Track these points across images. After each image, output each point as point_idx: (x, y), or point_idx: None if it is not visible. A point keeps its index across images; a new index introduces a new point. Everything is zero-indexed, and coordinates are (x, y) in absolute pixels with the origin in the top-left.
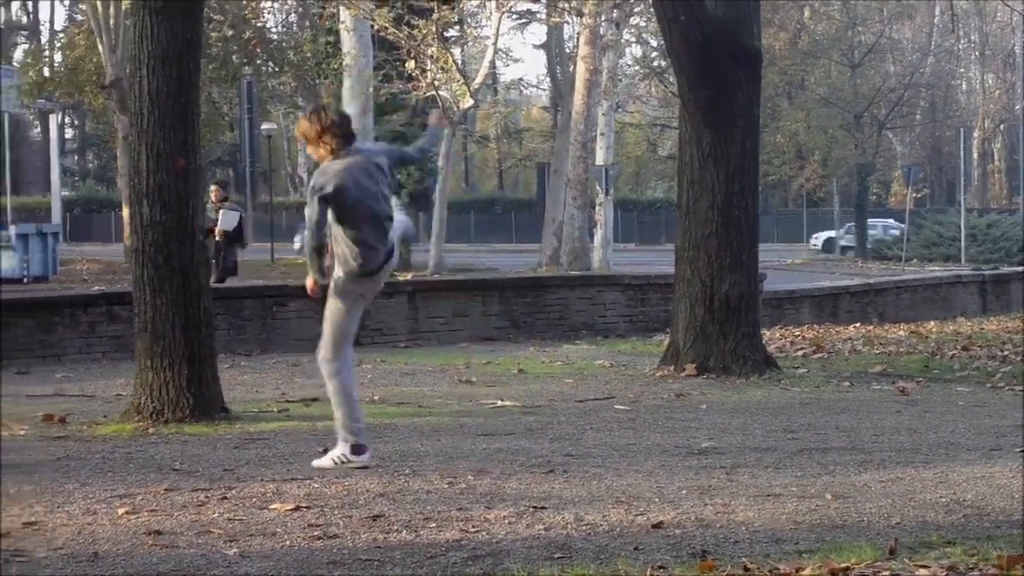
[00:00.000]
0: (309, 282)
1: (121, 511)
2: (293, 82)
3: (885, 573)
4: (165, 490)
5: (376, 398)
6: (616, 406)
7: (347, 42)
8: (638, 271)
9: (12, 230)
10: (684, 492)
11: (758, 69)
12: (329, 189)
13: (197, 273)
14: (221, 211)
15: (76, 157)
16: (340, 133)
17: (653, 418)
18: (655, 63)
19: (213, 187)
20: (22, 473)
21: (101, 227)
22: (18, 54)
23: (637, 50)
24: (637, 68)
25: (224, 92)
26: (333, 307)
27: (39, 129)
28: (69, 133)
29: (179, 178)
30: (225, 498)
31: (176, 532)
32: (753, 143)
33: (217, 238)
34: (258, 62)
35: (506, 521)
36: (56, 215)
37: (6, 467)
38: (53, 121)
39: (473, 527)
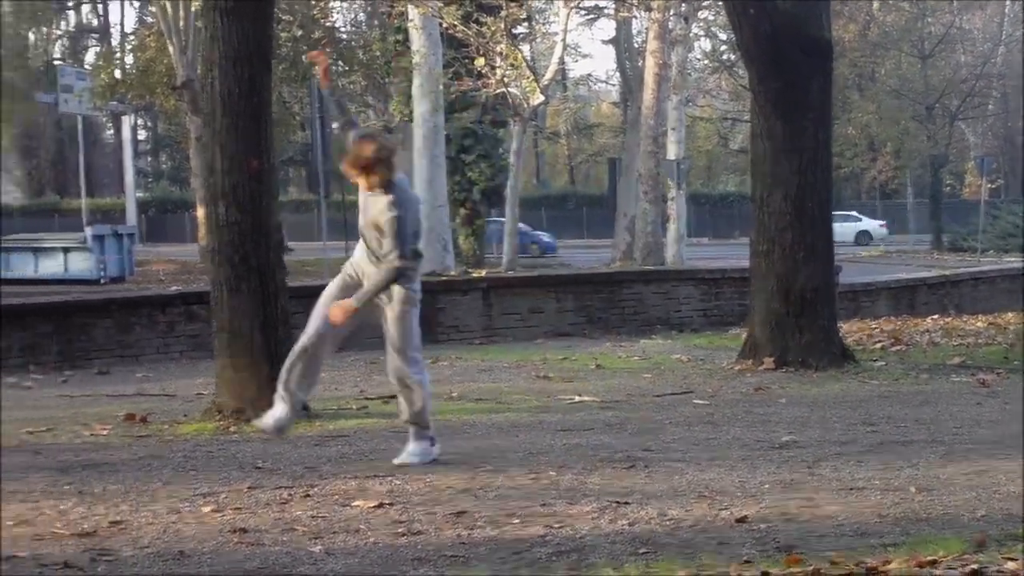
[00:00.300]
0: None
1: (206, 509)
2: (363, 81)
3: (973, 566)
4: (248, 488)
5: (454, 395)
6: (695, 400)
7: (416, 40)
8: (712, 265)
9: (88, 232)
10: (767, 486)
11: (829, 60)
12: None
13: (274, 272)
14: None
15: (149, 158)
16: (393, 162)
17: (732, 412)
18: (724, 56)
19: None
20: (106, 472)
21: (176, 228)
22: (90, 57)
23: (706, 44)
24: (706, 62)
25: (294, 92)
26: (409, 323)
27: (112, 131)
28: (142, 135)
29: (253, 178)
30: (308, 496)
31: (261, 530)
32: (825, 135)
33: None
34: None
35: (589, 516)
36: (131, 216)
37: (92, 466)
38: (126, 123)
39: (557, 523)
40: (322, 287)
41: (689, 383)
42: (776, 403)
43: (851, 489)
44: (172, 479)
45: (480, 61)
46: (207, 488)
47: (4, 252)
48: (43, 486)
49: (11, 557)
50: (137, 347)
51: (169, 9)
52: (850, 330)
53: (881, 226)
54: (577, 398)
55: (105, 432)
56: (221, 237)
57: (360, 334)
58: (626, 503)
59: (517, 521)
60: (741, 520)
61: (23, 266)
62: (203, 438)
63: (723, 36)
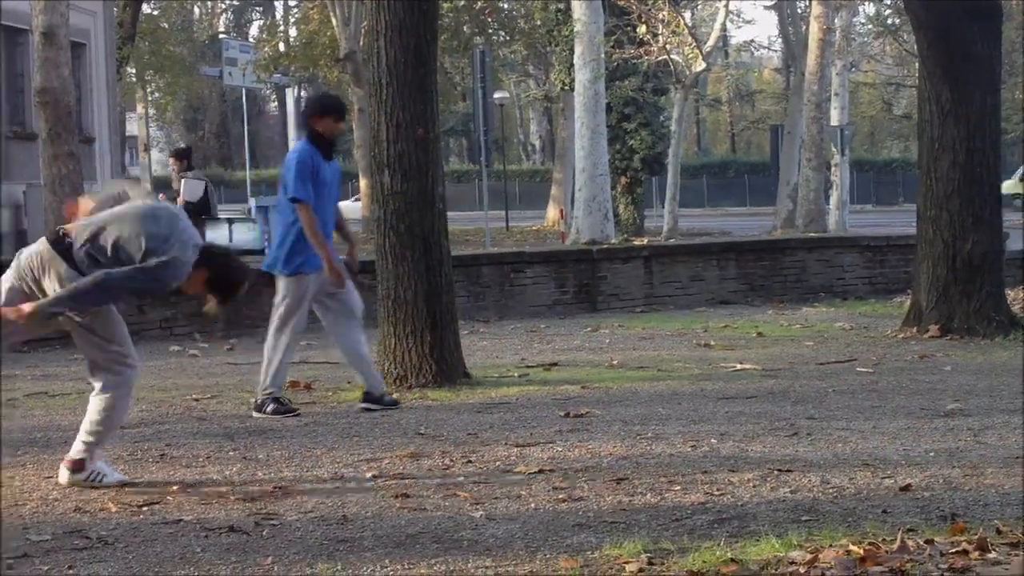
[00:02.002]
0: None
1: (369, 475)
2: (524, 50)
3: None
4: (411, 454)
5: (615, 362)
6: (858, 368)
7: (577, 9)
8: (876, 232)
9: (252, 203)
10: (931, 454)
11: (998, 24)
12: None
13: (439, 241)
14: (183, 181)
15: None
16: None
17: (896, 380)
18: (889, 21)
19: (171, 158)
20: (271, 439)
21: (342, 199)
22: (253, 30)
23: (870, 8)
24: (870, 26)
25: (456, 62)
26: None
27: (276, 103)
28: None
29: (419, 147)
30: (470, 462)
31: (423, 495)
32: (994, 99)
33: None
34: (489, 31)
35: (751, 484)
36: None
37: (256, 433)
38: (289, 95)
39: (718, 490)
40: (483, 256)
41: (852, 351)
42: (941, 371)
43: (1017, 458)
44: (336, 445)
45: (642, 28)
46: (370, 454)
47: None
48: (208, 452)
49: (178, 521)
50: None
51: None
52: (1017, 297)
53: None
54: (739, 366)
55: None
56: (387, 206)
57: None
58: (788, 471)
59: (678, 488)
60: (905, 488)
61: None
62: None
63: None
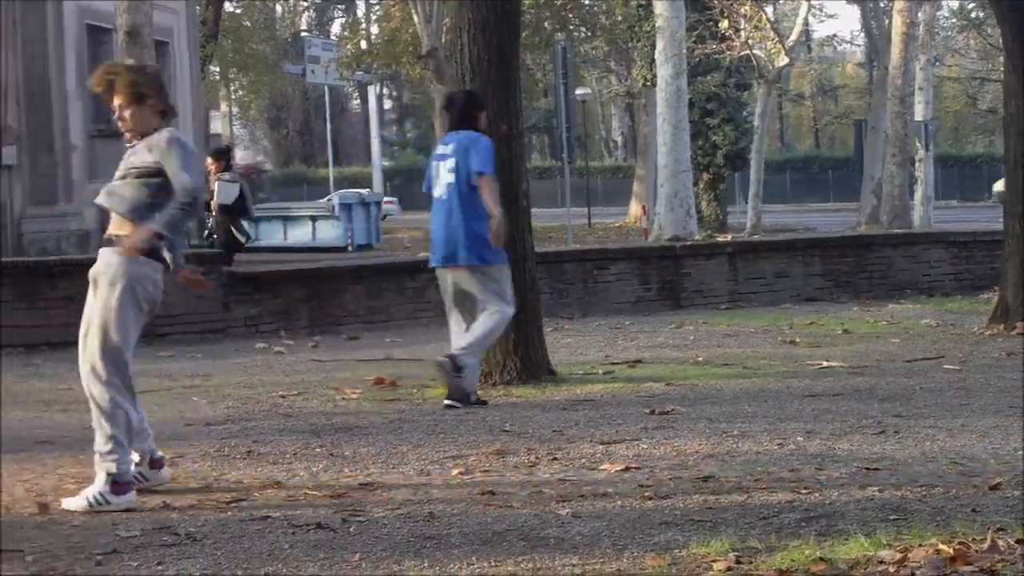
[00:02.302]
0: None
1: (455, 472)
2: (605, 46)
3: None
4: (496, 451)
5: (700, 359)
6: (945, 366)
7: (659, 4)
8: (962, 228)
9: (335, 199)
10: (1020, 453)
11: None
12: None
13: (522, 237)
14: (218, 183)
15: (394, 127)
16: None
17: (984, 378)
18: (973, 14)
19: (209, 159)
20: (357, 435)
21: (422, 195)
22: (336, 28)
23: (954, 1)
24: (954, 20)
25: (538, 58)
26: None
27: (358, 101)
28: (387, 104)
29: (502, 144)
30: (555, 459)
31: (509, 492)
32: None
33: (214, 213)
34: (571, 27)
35: (839, 483)
36: (377, 185)
37: (342, 429)
38: (371, 92)
39: (805, 488)
40: (566, 253)
41: (939, 348)
42: None
43: None
44: (421, 442)
45: (724, 23)
46: (456, 451)
47: (255, 221)
48: (295, 448)
49: (265, 518)
50: (386, 313)
51: None
52: None
53: None
54: (825, 363)
55: (355, 396)
56: None
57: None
58: (876, 469)
59: (764, 487)
60: (995, 487)
61: (272, 234)
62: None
63: None
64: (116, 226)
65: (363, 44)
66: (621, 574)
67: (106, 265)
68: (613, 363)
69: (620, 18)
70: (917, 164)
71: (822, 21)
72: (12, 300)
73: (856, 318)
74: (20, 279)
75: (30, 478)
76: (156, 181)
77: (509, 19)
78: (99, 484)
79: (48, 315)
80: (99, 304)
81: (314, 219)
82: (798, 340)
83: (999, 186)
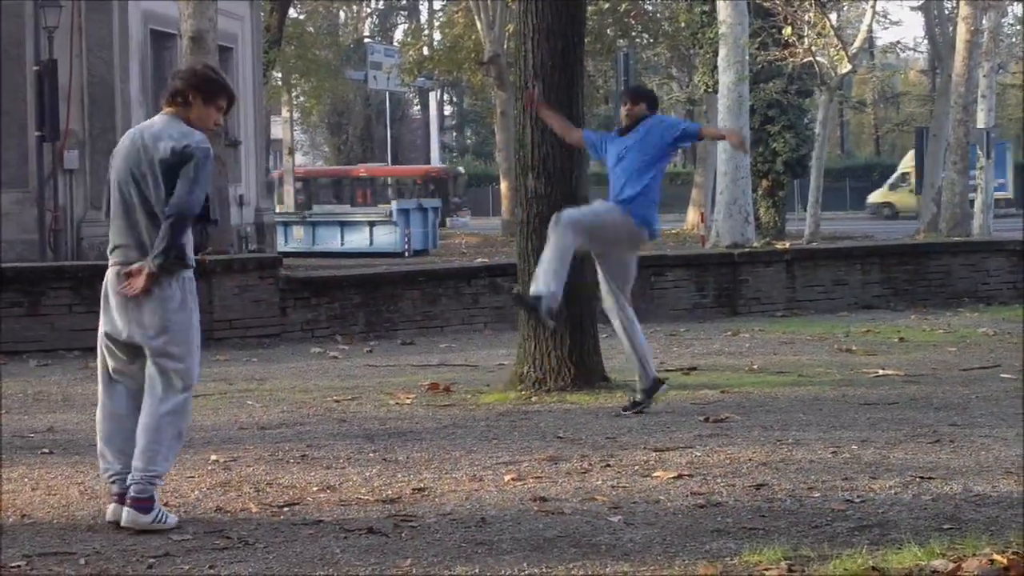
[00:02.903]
0: None
1: (507, 477)
2: (668, 52)
3: None
4: (549, 457)
5: (756, 367)
6: (1002, 375)
7: (723, 10)
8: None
9: (393, 205)
10: None
11: None
12: None
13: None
14: None
15: (455, 133)
16: None
17: None
18: None
19: None
20: (410, 440)
21: (480, 201)
22: (398, 34)
23: (1019, 8)
24: (1019, 27)
25: (599, 65)
26: None
27: (419, 106)
28: (448, 110)
29: (564, 150)
30: (608, 466)
31: (561, 499)
32: None
33: None
34: (633, 34)
35: (892, 491)
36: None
37: (396, 434)
38: (432, 98)
39: (859, 497)
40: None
41: (996, 357)
42: None
43: None
44: (474, 447)
45: (787, 30)
46: (508, 457)
47: (313, 225)
48: (348, 453)
49: (318, 522)
50: (442, 318)
51: None
52: None
53: None
54: (880, 372)
55: (409, 401)
56: (530, 209)
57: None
58: (930, 478)
59: (818, 495)
60: None
61: (330, 239)
62: (505, 408)
63: None
64: None
65: (425, 50)
66: None
67: None
68: (668, 370)
69: (683, 24)
70: (978, 172)
71: (886, 28)
72: (71, 303)
73: (913, 326)
74: (80, 282)
75: (84, 480)
76: None
77: (573, 25)
78: None
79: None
80: None
81: (372, 224)
82: (854, 348)
83: (874, 197)
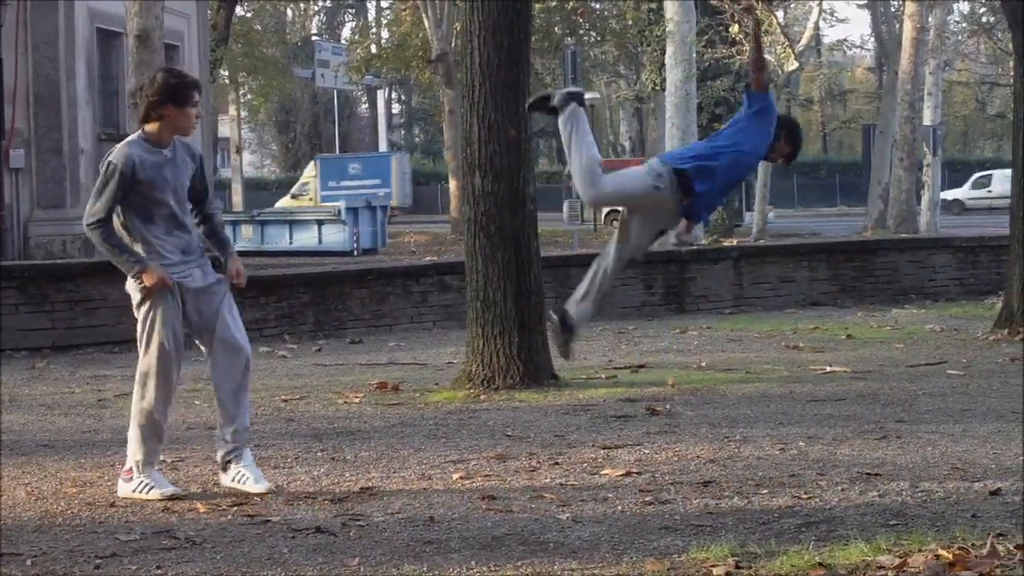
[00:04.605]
0: None
1: (455, 476)
2: (615, 50)
3: None
4: (497, 456)
5: (703, 364)
6: (948, 371)
7: (670, 8)
8: (969, 233)
9: (341, 204)
10: (1022, 459)
11: None
12: None
13: (528, 242)
14: None
15: (403, 131)
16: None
17: (988, 383)
18: (984, 19)
19: None
20: (358, 439)
21: (427, 200)
22: (346, 32)
23: (965, 6)
24: (965, 24)
25: (547, 62)
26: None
27: (367, 104)
28: (396, 108)
29: (510, 148)
30: (556, 463)
31: (509, 497)
32: None
33: None
34: (580, 32)
35: (839, 488)
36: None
37: (344, 433)
38: (380, 96)
39: (806, 494)
40: (572, 258)
41: (943, 353)
42: None
43: None
44: (423, 446)
45: (734, 28)
46: (457, 455)
47: (261, 224)
48: (296, 452)
49: (266, 522)
50: (391, 317)
51: None
52: None
53: None
54: (828, 369)
55: (358, 400)
56: (477, 207)
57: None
58: (877, 475)
59: (765, 491)
60: (995, 493)
61: (278, 238)
62: (453, 406)
63: None
64: None
65: (373, 48)
66: None
67: None
68: (616, 368)
69: (630, 22)
70: (925, 169)
71: (832, 26)
72: (18, 303)
73: (860, 323)
74: (26, 282)
75: (31, 481)
76: None
77: (520, 23)
78: None
79: (53, 318)
80: None
81: (320, 223)
82: (802, 345)
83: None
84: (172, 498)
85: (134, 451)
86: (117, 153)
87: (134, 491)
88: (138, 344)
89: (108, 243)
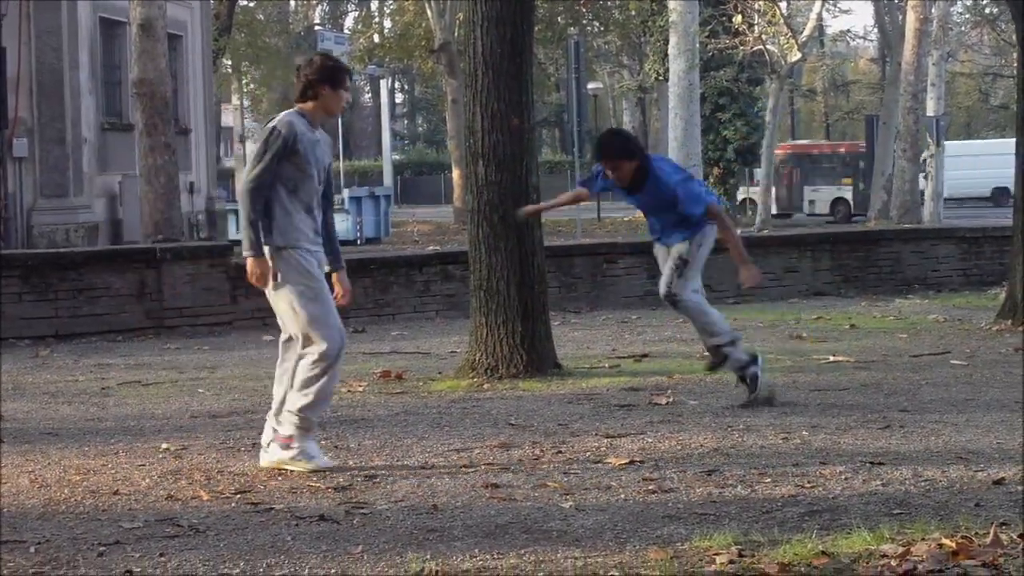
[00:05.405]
0: None
1: (459, 464)
2: (618, 40)
3: None
4: (501, 444)
5: (707, 354)
6: (952, 361)
7: None
8: (972, 223)
9: (345, 194)
10: None
11: None
12: None
13: (531, 231)
14: None
15: (406, 121)
16: None
17: (991, 373)
18: (987, 10)
19: None
20: (362, 428)
21: (431, 189)
22: (349, 21)
23: None
24: (968, 16)
25: (550, 52)
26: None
27: (369, 94)
28: (399, 98)
29: (513, 137)
30: (560, 452)
31: (513, 485)
32: None
33: None
34: (583, 22)
35: (842, 477)
36: (387, 178)
37: (347, 422)
38: (383, 86)
39: (809, 483)
40: (575, 247)
41: (946, 343)
42: None
43: None
44: (426, 435)
45: (737, 18)
46: (460, 444)
47: None
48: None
49: (269, 509)
50: (394, 306)
51: None
52: None
53: None
54: (831, 358)
55: (361, 389)
56: (480, 196)
57: None
58: (880, 464)
59: (768, 481)
60: (998, 482)
61: None
62: (457, 395)
63: None
64: None
65: (376, 38)
66: (623, 567)
67: None
68: (620, 357)
69: (633, 13)
70: (928, 160)
71: (836, 16)
72: (21, 292)
73: (863, 313)
74: (30, 271)
75: (34, 469)
76: None
77: (523, 13)
78: None
79: (56, 307)
80: None
81: None
82: (805, 335)
83: None
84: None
85: (301, 415)
86: (280, 121)
87: (290, 459)
88: (289, 320)
89: (254, 209)
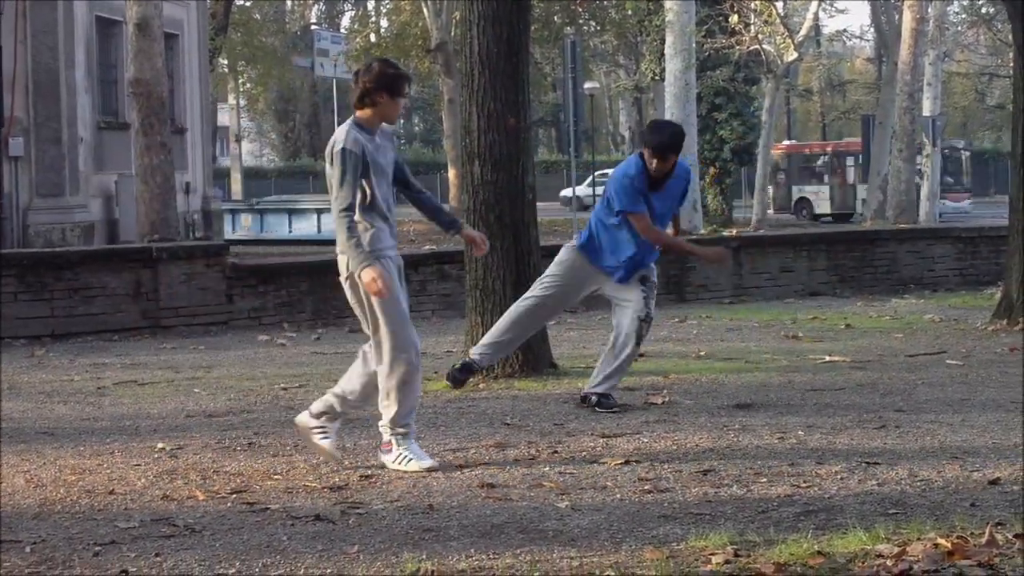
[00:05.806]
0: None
1: (454, 464)
2: (615, 40)
3: None
4: (496, 444)
5: (702, 353)
6: (948, 361)
7: None
8: (968, 223)
9: None
10: (1021, 448)
11: None
12: None
13: (528, 231)
14: None
15: (402, 120)
16: None
17: (987, 373)
18: (984, 10)
19: None
20: (361, 427)
21: (431, 189)
22: (345, 21)
23: None
24: (964, 15)
25: (546, 52)
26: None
27: None
28: None
29: (509, 137)
30: (555, 452)
31: (508, 485)
32: None
33: None
34: (580, 21)
35: (838, 476)
36: None
37: (348, 420)
38: None
39: (804, 482)
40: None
41: (942, 343)
42: None
43: None
44: (422, 434)
45: (734, 18)
46: (456, 444)
47: (260, 213)
48: (295, 441)
49: (265, 509)
50: None
51: None
52: None
53: None
54: (827, 358)
55: None
56: (476, 196)
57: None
58: (876, 463)
59: (764, 480)
60: (994, 482)
61: (278, 226)
62: (452, 395)
63: None
64: None
65: (372, 37)
66: (619, 567)
67: None
68: None
69: (630, 12)
70: (924, 159)
71: (832, 16)
72: (16, 291)
73: (859, 313)
74: (25, 270)
75: (30, 469)
76: None
77: (519, 12)
78: None
79: (52, 306)
80: None
81: (320, 212)
82: (801, 335)
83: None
84: (430, 471)
85: (393, 424)
86: (344, 139)
87: (394, 462)
88: (373, 324)
89: (352, 231)
